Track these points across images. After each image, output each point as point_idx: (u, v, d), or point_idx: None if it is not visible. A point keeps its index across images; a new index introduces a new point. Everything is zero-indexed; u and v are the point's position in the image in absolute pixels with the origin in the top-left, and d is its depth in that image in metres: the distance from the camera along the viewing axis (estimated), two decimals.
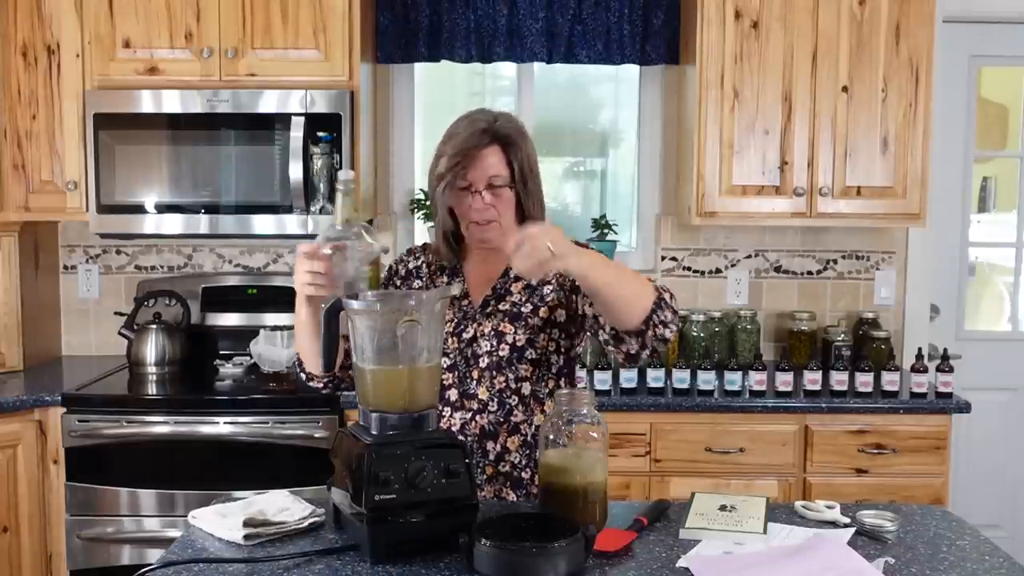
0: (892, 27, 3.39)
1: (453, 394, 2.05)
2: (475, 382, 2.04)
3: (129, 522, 3.18)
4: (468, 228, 2.03)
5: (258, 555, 1.66)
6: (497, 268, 2.09)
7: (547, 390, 2.07)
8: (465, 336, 2.05)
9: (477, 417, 2.03)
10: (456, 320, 2.06)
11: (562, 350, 2.08)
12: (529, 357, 2.03)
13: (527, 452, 2.04)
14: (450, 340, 2.05)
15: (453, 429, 2.03)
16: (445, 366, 2.04)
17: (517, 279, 2.07)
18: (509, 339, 2.03)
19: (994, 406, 3.96)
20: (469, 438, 2.03)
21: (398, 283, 2.16)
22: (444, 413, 2.05)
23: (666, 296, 1.88)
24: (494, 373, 2.03)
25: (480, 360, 2.03)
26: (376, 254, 1.81)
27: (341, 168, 3.33)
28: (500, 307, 2.05)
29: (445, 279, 2.11)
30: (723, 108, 3.42)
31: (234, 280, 3.77)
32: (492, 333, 2.03)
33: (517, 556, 1.53)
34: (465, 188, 1.99)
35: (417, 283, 2.13)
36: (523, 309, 2.04)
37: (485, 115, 2.04)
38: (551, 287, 2.05)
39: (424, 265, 2.15)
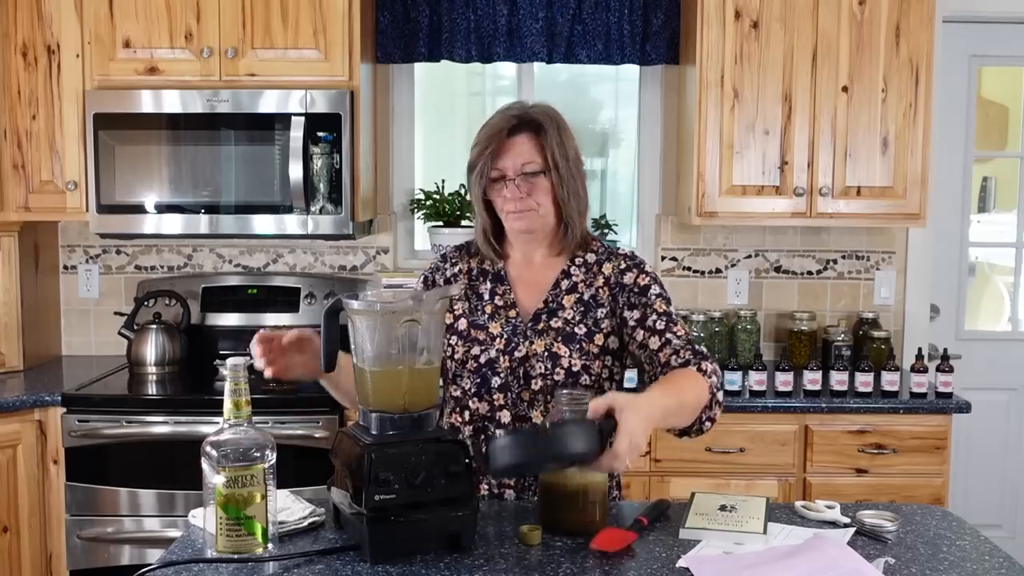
0: (892, 27, 3.39)
1: (506, 416, 1.98)
2: (527, 404, 1.97)
3: (129, 522, 3.18)
4: (506, 219, 1.98)
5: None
6: (546, 273, 2.03)
7: None
8: (517, 355, 1.97)
9: None
10: (506, 336, 1.98)
11: (615, 377, 2.03)
12: (584, 383, 1.96)
13: None
14: (501, 359, 1.97)
15: None
16: (496, 385, 1.98)
17: (569, 291, 2.01)
18: (564, 363, 1.96)
19: (994, 406, 3.96)
20: None
21: None
22: (497, 435, 2.00)
23: (719, 395, 1.87)
24: (548, 397, 1.96)
25: (533, 382, 1.96)
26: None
27: (341, 168, 3.34)
28: (552, 324, 1.98)
29: (488, 285, 2.04)
30: (723, 108, 3.42)
31: (234, 280, 3.77)
32: (546, 354, 1.96)
33: (530, 437, 1.61)
34: (499, 178, 1.95)
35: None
36: (577, 330, 1.97)
37: (519, 105, 2.00)
38: (604, 311, 1.99)
39: (461, 273, 2.07)
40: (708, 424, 1.88)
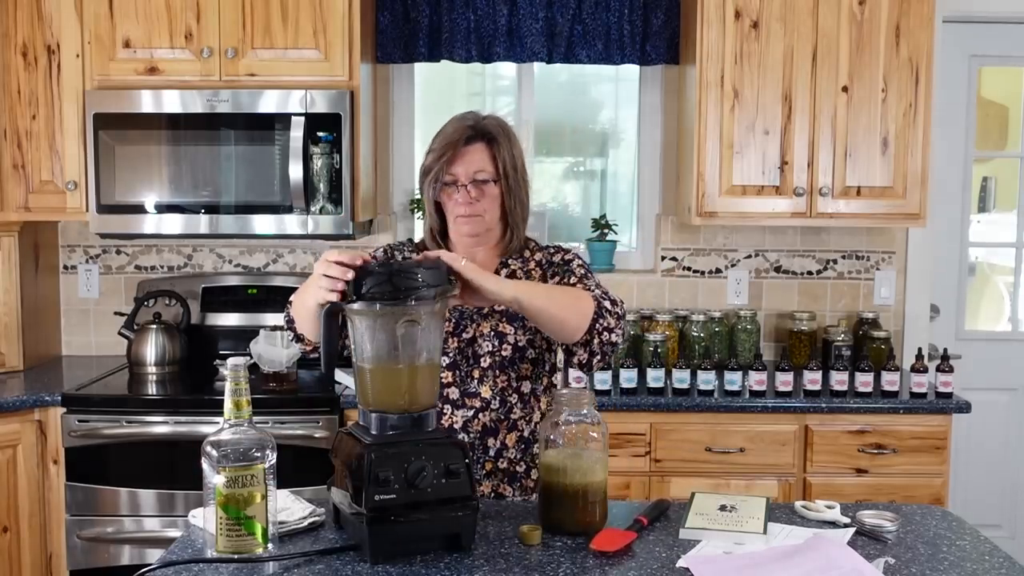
0: (892, 27, 3.39)
1: (454, 392, 2.07)
2: (477, 381, 2.06)
3: (129, 522, 3.18)
4: (455, 223, 2.09)
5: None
6: (486, 267, 2.09)
7: (543, 386, 2.12)
8: (465, 336, 2.07)
9: (480, 415, 2.06)
10: (454, 320, 2.08)
11: (553, 348, 2.13)
12: (529, 356, 2.08)
13: (523, 448, 2.08)
14: (450, 340, 2.07)
15: (455, 426, 2.06)
16: (445, 364, 2.06)
17: (508, 277, 2.09)
18: (511, 339, 2.06)
19: (994, 406, 3.96)
20: (471, 435, 2.05)
21: None
22: (445, 411, 2.07)
23: (606, 303, 1.94)
24: (496, 372, 2.06)
25: (482, 360, 2.06)
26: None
27: (341, 168, 3.34)
28: (496, 308, 2.07)
29: None
30: (723, 108, 3.42)
31: (234, 280, 3.77)
32: (492, 334, 2.06)
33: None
34: (451, 183, 2.06)
35: None
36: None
37: (474, 115, 2.13)
38: None
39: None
40: (607, 335, 1.92)
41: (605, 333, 1.93)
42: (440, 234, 2.14)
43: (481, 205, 2.05)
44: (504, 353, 2.06)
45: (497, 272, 2.11)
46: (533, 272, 2.12)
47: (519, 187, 2.09)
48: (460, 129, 2.07)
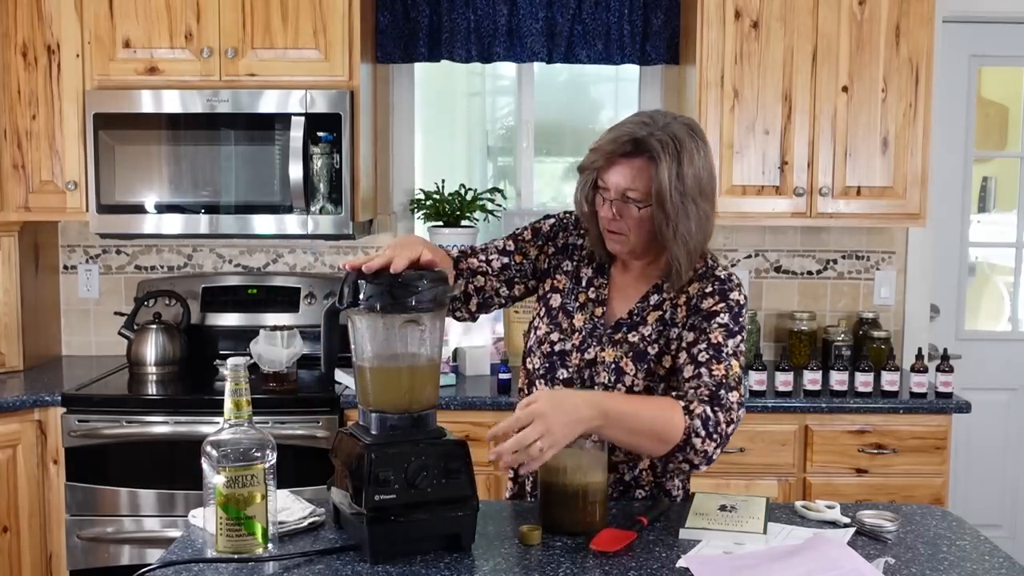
0: (892, 27, 3.39)
1: None
2: None
3: (129, 522, 3.18)
4: (604, 233, 1.93)
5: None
6: (641, 282, 1.98)
7: None
8: (587, 356, 1.94)
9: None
10: (584, 334, 1.96)
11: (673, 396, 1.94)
12: None
13: (622, 490, 1.97)
14: (574, 354, 1.95)
15: None
16: (562, 377, 1.95)
17: (655, 307, 1.94)
18: (627, 380, 1.90)
19: (994, 406, 3.96)
20: None
21: (551, 250, 2.04)
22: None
23: (696, 441, 1.78)
24: None
25: (595, 388, 1.93)
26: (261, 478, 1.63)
27: (341, 168, 3.34)
28: (629, 337, 1.92)
29: (590, 272, 2.01)
30: (723, 108, 3.42)
31: (234, 280, 3.77)
32: (613, 367, 1.91)
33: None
34: (603, 189, 1.89)
35: (567, 263, 2.03)
36: (650, 349, 1.91)
37: (649, 121, 1.86)
38: (677, 330, 1.91)
39: (580, 247, 2.04)
40: (684, 464, 1.82)
41: (684, 464, 1.81)
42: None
43: (623, 224, 1.87)
44: (618, 391, 1.90)
45: (646, 297, 1.95)
46: (679, 309, 1.92)
47: (683, 212, 1.82)
48: (621, 138, 1.84)
